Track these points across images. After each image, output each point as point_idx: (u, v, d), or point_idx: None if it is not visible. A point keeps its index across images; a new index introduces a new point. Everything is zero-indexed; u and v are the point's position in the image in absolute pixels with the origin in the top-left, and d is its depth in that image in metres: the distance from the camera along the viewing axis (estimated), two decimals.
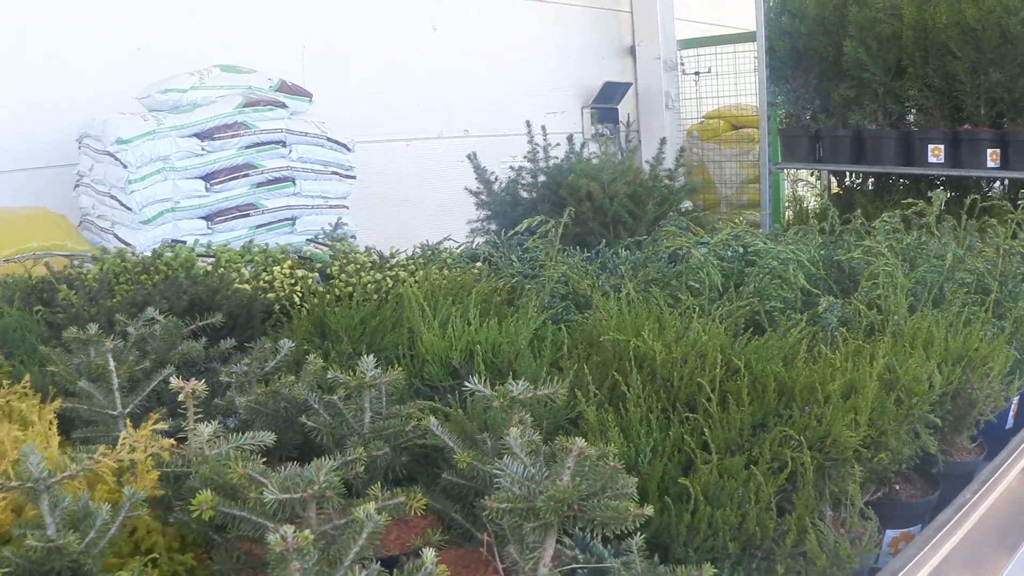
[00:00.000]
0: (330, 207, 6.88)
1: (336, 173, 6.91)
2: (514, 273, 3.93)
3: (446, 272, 3.77)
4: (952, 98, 7.22)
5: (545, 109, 9.75)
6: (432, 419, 2.29)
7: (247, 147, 6.43)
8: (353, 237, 7.02)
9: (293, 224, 6.67)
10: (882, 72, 7.35)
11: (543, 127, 5.96)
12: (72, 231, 6.21)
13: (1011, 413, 3.55)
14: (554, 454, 1.93)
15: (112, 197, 6.22)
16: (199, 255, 4.13)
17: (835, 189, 8.65)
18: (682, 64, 11.21)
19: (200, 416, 2.36)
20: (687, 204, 9.70)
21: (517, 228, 4.00)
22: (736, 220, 4.95)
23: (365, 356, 2.54)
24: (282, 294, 3.70)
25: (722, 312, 3.11)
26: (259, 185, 6.52)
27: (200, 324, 3.23)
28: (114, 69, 7.00)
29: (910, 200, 4.14)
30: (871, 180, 8.35)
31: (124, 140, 6.06)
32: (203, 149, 6.30)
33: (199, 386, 2.27)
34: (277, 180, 6.59)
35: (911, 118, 7.76)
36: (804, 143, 8.32)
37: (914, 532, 2.67)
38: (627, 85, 10.83)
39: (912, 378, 2.65)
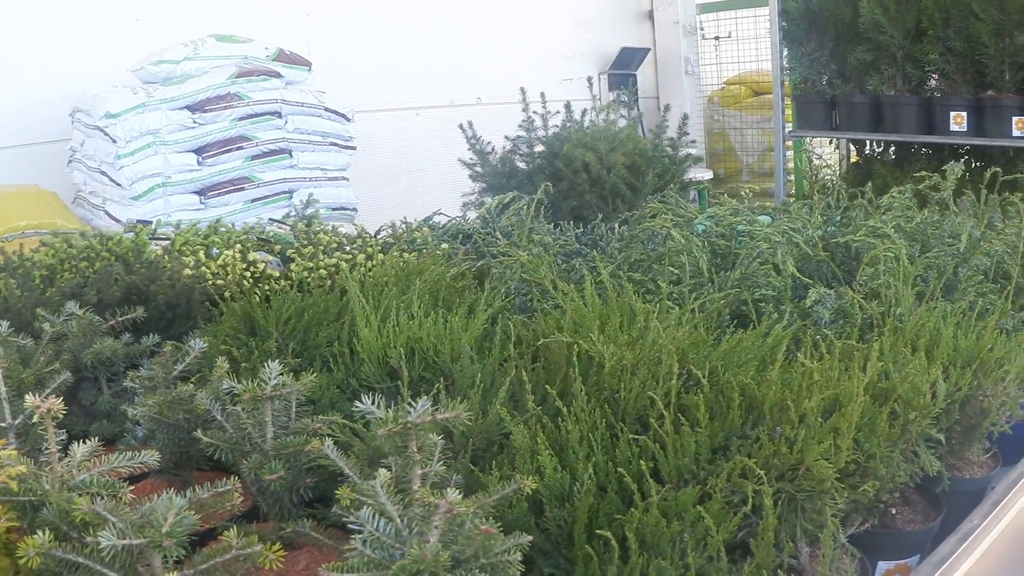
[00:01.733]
0: (329, 179, 6.47)
1: (335, 144, 6.49)
2: (486, 254, 3.50)
3: (406, 256, 3.33)
4: (975, 62, 6.54)
5: (561, 75, 9.25)
6: (328, 441, 1.85)
7: (240, 119, 6.03)
8: (354, 210, 6.64)
9: (290, 197, 6.25)
10: (900, 35, 6.73)
11: (542, 93, 5.49)
12: (62, 208, 5.85)
13: None
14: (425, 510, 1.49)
15: (102, 173, 5.85)
16: (154, 238, 3.73)
17: (854, 158, 8.07)
18: (702, 29, 10.65)
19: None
20: (700, 175, 9.28)
21: (487, 204, 3.54)
22: (744, 191, 4.45)
23: (287, 356, 2.15)
24: (233, 280, 3.29)
25: (700, 304, 2.66)
26: (254, 158, 6.12)
27: (120, 319, 2.83)
28: (111, 41, 6.60)
29: (924, 173, 3.66)
30: (892, 149, 7.72)
31: (113, 114, 5.67)
32: (194, 122, 5.90)
33: (55, 405, 1.85)
34: (273, 152, 6.18)
35: (932, 84, 7.10)
36: (820, 110, 7.72)
37: (911, 564, 2.21)
38: (645, 51, 10.29)
39: (910, 388, 2.19)
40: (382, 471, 1.56)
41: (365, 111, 8.03)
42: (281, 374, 2.16)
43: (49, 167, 6.27)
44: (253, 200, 6.12)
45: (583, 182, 4.83)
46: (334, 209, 6.45)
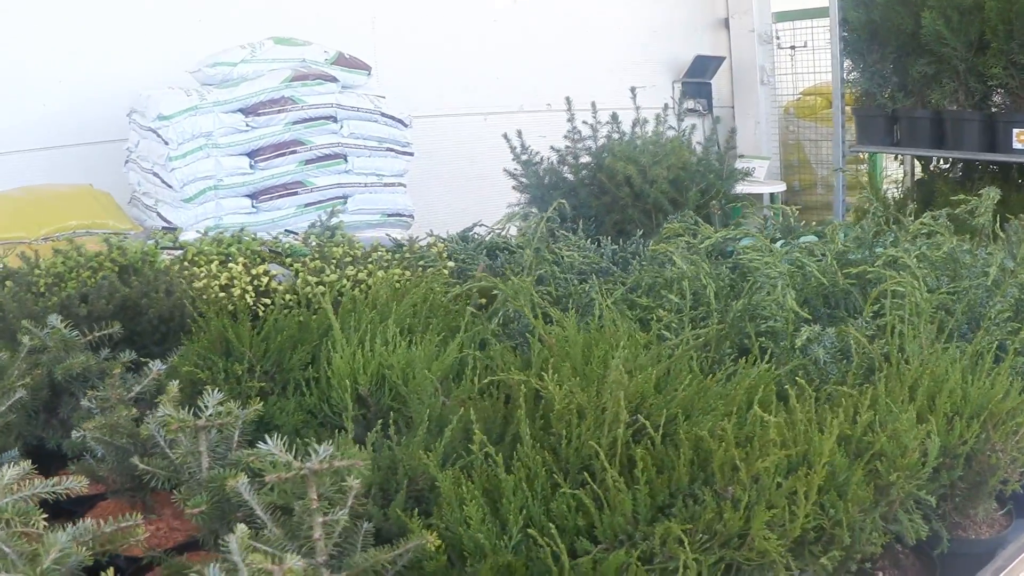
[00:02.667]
0: (384, 185, 6.35)
1: (391, 149, 6.37)
2: (487, 275, 3.34)
3: (406, 273, 3.18)
4: None
5: (633, 83, 9.03)
6: (242, 478, 1.70)
7: (294, 123, 5.94)
8: (410, 216, 6.52)
9: (345, 202, 6.15)
10: (963, 47, 6.38)
11: (592, 103, 5.33)
12: (115, 209, 5.82)
13: None
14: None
15: (155, 174, 5.81)
16: (164, 248, 3.64)
17: (920, 174, 7.72)
18: (777, 38, 10.33)
19: None
20: (773, 188, 9.01)
21: (494, 224, 3.39)
22: (791, 209, 4.22)
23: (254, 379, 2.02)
24: (236, 294, 3.18)
25: (695, 336, 2.47)
26: (308, 162, 6.03)
27: (97, 334, 2.73)
28: (173, 42, 6.57)
29: (962, 196, 3.42)
30: (960, 166, 7.37)
31: (165, 116, 5.63)
32: (247, 125, 5.83)
33: None
34: (327, 157, 6.09)
35: (996, 99, 6.73)
36: (881, 124, 7.38)
37: None
38: (720, 59, 10.02)
39: (896, 445, 1.98)
40: (240, 526, 1.42)
41: (432, 116, 7.94)
42: (225, 401, 2.05)
43: (108, 167, 6.26)
44: (306, 205, 6.03)
45: (625, 196, 4.65)
46: (389, 216, 6.35)
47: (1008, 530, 2.37)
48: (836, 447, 1.84)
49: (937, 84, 6.77)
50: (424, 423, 2.01)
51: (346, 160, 6.15)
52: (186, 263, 3.45)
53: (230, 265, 3.26)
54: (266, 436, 1.64)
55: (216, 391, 2.03)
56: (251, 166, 5.85)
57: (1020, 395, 2.33)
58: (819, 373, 2.48)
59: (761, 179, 9.12)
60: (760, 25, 10.24)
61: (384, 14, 7.86)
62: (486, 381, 2.18)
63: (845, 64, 7.60)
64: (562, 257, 3.73)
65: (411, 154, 6.46)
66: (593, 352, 2.25)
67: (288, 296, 3.19)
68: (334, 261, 3.38)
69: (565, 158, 5.09)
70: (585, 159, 5.04)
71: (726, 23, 10.45)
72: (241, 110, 5.82)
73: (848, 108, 7.89)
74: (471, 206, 7.52)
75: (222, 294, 3.18)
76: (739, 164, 9.39)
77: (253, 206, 5.89)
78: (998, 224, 3.51)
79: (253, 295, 3.18)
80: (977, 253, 3.23)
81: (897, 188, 8.00)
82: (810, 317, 2.60)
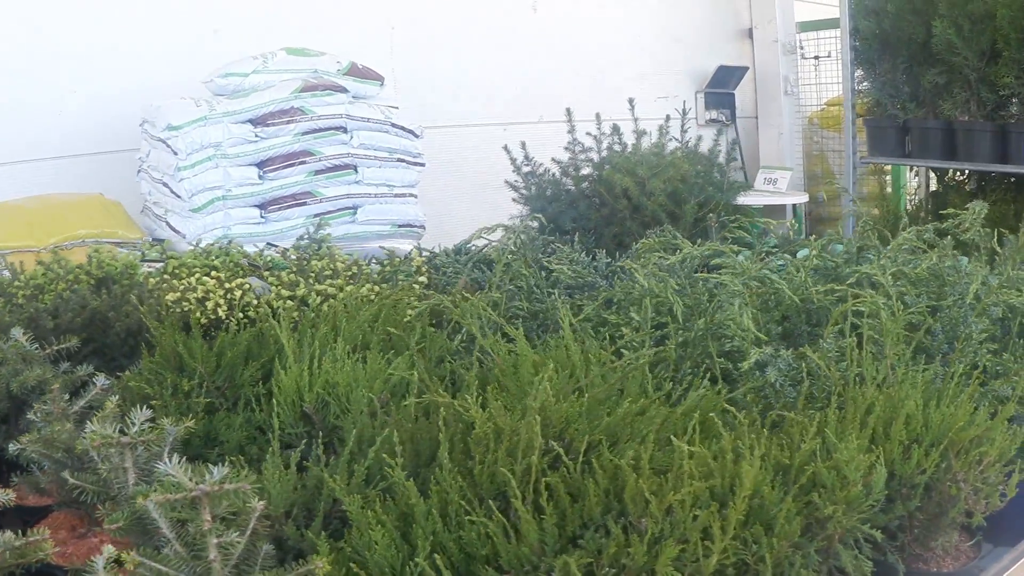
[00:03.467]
0: (395, 195, 6.30)
1: (403, 160, 6.32)
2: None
3: (374, 288, 3.14)
4: None
5: (655, 94, 8.95)
6: (151, 497, 1.66)
7: (304, 133, 5.91)
8: (421, 227, 6.47)
9: (355, 213, 6.12)
10: (975, 56, 6.20)
11: (597, 114, 5.28)
12: (124, 218, 5.83)
13: None
14: None
15: (164, 184, 5.80)
16: (148, 260, 3.62)
17: (935, 186, 7.55)
18: (801, 48, 10.18)
19: None
20: (796, 199, 8.87)
21: (471, 235, 3.34)
22: (771, 225, 4.11)
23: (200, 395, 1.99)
24: (209, 307, 3.15)
25: (639, 357, 2.40)
26: (317, 173, 6.00)
27: (56, 348, 2.71)
28: (188, 51, 6.57)
29: (951, 211, 3.33)
30: (975, 177, 7.17)
31: (175, 126, 5.63)
32: (256, 136, 5.81)
33: None
34: (337, 168, 6.05)
35: (1010, 110, 6.50)
36: (892, 135, 7.21)
37: None
38: (743, 69, 9.90)
39: (837, 475, 1.91)
40: (107, 547, 1.38)
41: (451, 126, 7.91)
42: (161, 418, 2.02)
43: (121, 176, 6.26)
44: (316, 215, 5.98)
45: (624, 208, 4.59)
46: (400, 226, 6.31)
47: (976, 562, 2.27)
48: (766, 477, 1.76)
49: (948, 94, 6.59)
50: (349, 444, 1.96)
51: (356, 171, 6.12)
52: (166, 276, 3.43)
53: (204, 279, 3.23)
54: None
55: (146, 408, 2.00)
56: (260, 176, 5.82)
57: (986, 421, 2.23)
58: (777, 396, 2.40)
59: (783, 190, 8.99)
60: (784, 35, 10.10)
61: (402, 23, 7.83)
62: (424, 401, 2.13)
63: (856, 74, 7.46)
64: (550, 271, 3.68)
65: (422, 164, 6.42)
66: (538, 373, 2.19)
67: (261, 310, 3.16)
68: (312, 275, 3.34)
69: (567, 170, 5.03)
70: (586, 171, 4.98)
71: (750, 33, 10.32)
72: (251, 120, 5.80)
73: (859, 119, 7.75)
74: (490, 217, 7.48)
75: (196, 307, 3.16)
76: (761, 175, 9.35)
77: (262, 216, 5.86)
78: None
79: (226, 308, 3.15)
80: (963, 270, 3.13)
81: (911, 201, 7.85)
82: (765, 337, 2.50)
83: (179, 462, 1.61)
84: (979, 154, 6.57)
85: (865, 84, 7.37)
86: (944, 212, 3.38)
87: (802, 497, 1.87)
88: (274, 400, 2.38)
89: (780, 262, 3.49)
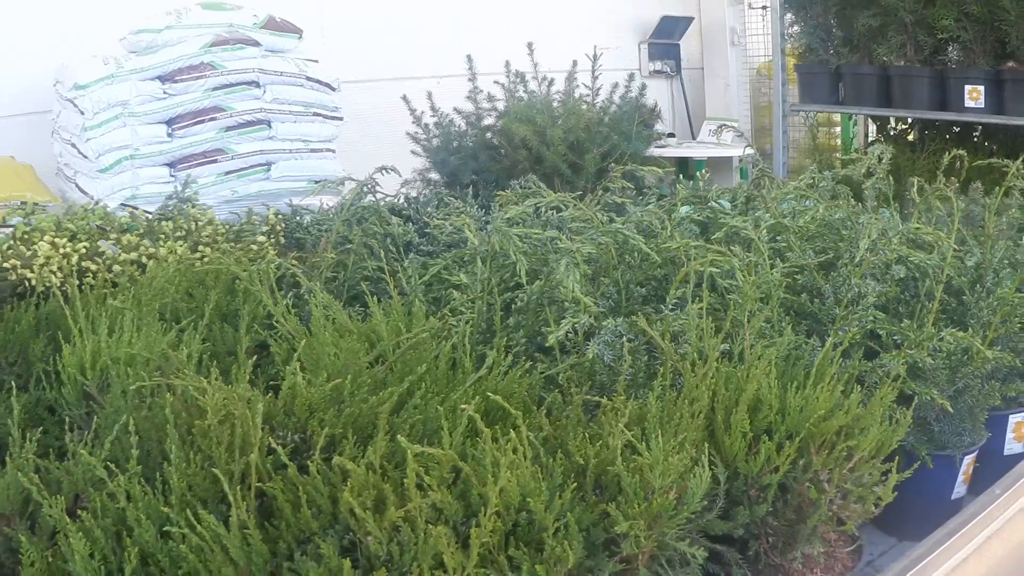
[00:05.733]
0: (311, 151, 6.06)
1: (319, 115, 6.06)
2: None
3: (206, 250, 2.91)
4: (995, 30, 5.61)
5: (596, 44, 8.66)
6: None
7: (214, 89, 5.65)
8: (340, 183, 6.21)
9: (268, 169, 5.88)
10: None
11: (507, 62, 5.04)
12: (34, 181, 5.60)
13: (961, 477, 2.52)
14: None
15: (72, 145, 5.56)
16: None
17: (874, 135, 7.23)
18: None
19: None
20: (740, 151, 8.56)
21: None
22: (702, 175, 3.86)
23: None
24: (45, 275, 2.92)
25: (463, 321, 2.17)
26: (228, 129, 5.74)
27: None
28: (108, 8, 6.28)
29: (851, 156, 3.09)
30: (916, 126, 6.81)
31: (81, 85, 5.37)
32: (165, 92, 5.55)
33: None
34: (249, 123, 5.79)
35: (949, 55, 6.12)
36: (824, 82, 6.83)
37: None
38: (688, 19, 9.55)
39: (640, 481, 1.65)
40: None
41: (384, 79, 7.64)
42: None
43: (39, 139, 6.01)
44: (227, 172, 5.76)
45: (524, 159, 4.35)
46: (317, 182, 6.06)
47: (855, 571, 2.01)
48: (538, 486, 1.50)
49: (883, 38, 6.24)
50: (88, 433, 1.74)
51: (270, 126, 5.87)
52: (13, 242, 3.20)
53: (40, 244, 2.99)
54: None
55: None
56: (168, 134, 5.58)
57: (851, 411, 1.89)
58: (611, 375, 2.14)
59: (728, 142, 8.73)
60: None
61: None
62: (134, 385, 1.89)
63: (786, 18, 7.14)
64: (430, 227, 3.47)
65: (340, 119, 6.15)
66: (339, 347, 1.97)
67: (99, 276, 2.94)
68: (162, 237, 3.12)
69: (471, 120, 4.80)
70: (490, 121, 4.74)
71: None
72: (159, 77, 5.54)
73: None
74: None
75: (36, 274, 2.93)
76: (706, 126, 9.09)
77: (171, 175, 5.61)
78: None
79: (60, 275, 2.92)
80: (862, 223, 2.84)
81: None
82: (591, 303, 2.22)
83: None
84: (916, 101, 6.23)
85: (795, 28, 7.04)
86: (846, 158, 3.14)
87: (597, 508, 1.61)
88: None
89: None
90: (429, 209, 3.93)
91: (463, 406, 1.52)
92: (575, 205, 2.62)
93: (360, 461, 1.45)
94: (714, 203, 3.43)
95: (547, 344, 2.11)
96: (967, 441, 2.47)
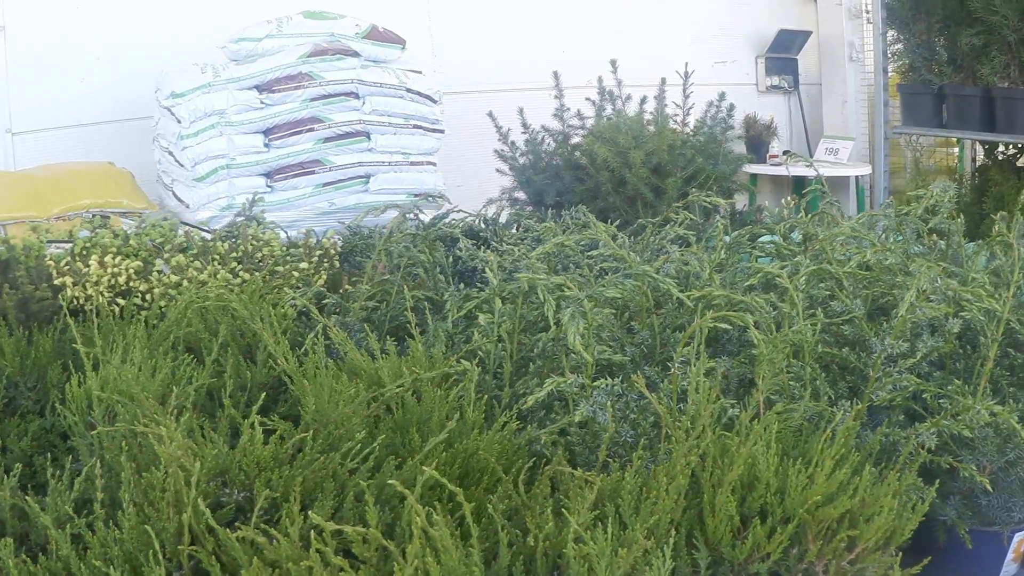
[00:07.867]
0: (411, 164, 5.95)
1: (419, 127, 5.95)
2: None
3: (244, 275, 2.80)
4: None
5: (712, 58, 8.44)
6: None
7: (312, 99, 5.60)
8: (440, 196, 6.11)
9: (367, 182, 5.80)
10: (1015, 15, 5.42)
11: (599, 78, 4.87)
12: (131, 187, 5.65)
13: (1010, 555, 2.27)
14: None
15: (169, 152, 5.58)
16: (54, 241, 3.34)
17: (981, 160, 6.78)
18: (868, 11, 9.45)
19: None
20: (860, 171, 8.23)
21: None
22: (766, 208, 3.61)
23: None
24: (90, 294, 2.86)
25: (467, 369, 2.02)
26: (326, 140, 5.68)
27: None
28: (212, 17, 6.31)
29: (915, 193, 2.84)
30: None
31: (178, 94, 5.38)
32: (262, 102, 5.52)
33: None
34: (348, 135, 5.72)
35: None
36: (927, 102, 6.46)
37: None
38: (806, 34, 9.19)
39: (582, 572, 1.40)
40: None
41: (494, 91, 7.52)
42: None
43: (141, 145, 6.06)
44: (324, 184, 5.70)
45: (607, 181, 4.18)
46: (417, 195, 5.97)
47: None
48: (468, 572, 1.33)
49: (987, 57, 5.87)
50: (67, 471, 1.64)
51: (369, 138, 5.79)
52: (70, 258, 3.15)
53: (90, 263, 2.93)
54: None
55: None
56: (265, 144, 5.55)
57: (867, 490, 1.67)
58: (615, 437, 1.94)
59: (844, 161, 8.39)
60: None
61: None
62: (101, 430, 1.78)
63: (888, 36, 6.79)
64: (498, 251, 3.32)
65: (441, 131, 6.03)
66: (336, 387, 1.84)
67: (148, 297, 2.87)
68: (217, 257, 3.03)
69: (558, 139, 4.64)
70: (576, 140, 4.58)
71: None
72: (256, 87, 5.51)
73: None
74: None
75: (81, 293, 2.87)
76: (823, 144, 8.76)
77: (268, 185, 5.59)
78: None
79: (107, 295, 2.86)
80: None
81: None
82: (590, 358, 2.01)
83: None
84: (1020, 125, 5.81)
85: (898, 46, 6.68)
86: (911, 193, 2.91)
87: None
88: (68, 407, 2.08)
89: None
90: (512, 231, 3.77)
91: (424, 467, 1.37)
92: (607, 243, 2.43)
93: (283, 529, 1.31)
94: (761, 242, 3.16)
95: (528, 404, 1.92)
96: (1017, 517, 2.21)
